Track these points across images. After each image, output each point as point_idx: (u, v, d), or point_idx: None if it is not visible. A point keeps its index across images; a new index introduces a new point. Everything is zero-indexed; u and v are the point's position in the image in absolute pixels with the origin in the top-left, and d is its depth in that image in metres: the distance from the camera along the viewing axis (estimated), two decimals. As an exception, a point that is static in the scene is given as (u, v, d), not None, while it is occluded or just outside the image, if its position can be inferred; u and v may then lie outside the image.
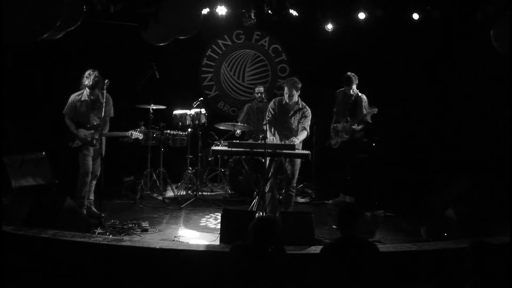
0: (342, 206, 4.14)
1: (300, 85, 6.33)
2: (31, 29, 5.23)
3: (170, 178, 7.94)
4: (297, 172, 6.41)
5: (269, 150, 6.00)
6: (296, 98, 6.36)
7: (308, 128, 6.35)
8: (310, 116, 6.40)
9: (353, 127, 7.26)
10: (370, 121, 7.10)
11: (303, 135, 6.34)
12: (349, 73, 7.25)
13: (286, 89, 6.32)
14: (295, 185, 6.58)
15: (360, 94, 7.30)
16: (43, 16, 5.21)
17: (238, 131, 7.70)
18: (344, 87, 7.31)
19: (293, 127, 6.37)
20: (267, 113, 6.30)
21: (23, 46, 6.58)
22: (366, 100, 7.29)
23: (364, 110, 7.21)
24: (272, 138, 6.22)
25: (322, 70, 8.90)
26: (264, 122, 6.22)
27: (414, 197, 7.37)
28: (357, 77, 7.25)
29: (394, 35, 8.31)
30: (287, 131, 6.35)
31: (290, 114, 6.37)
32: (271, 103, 6.44)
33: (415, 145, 8.29)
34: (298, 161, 6.29)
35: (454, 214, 5.90)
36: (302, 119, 6.41)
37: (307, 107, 6.43)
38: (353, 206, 4.37)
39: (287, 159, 6.19)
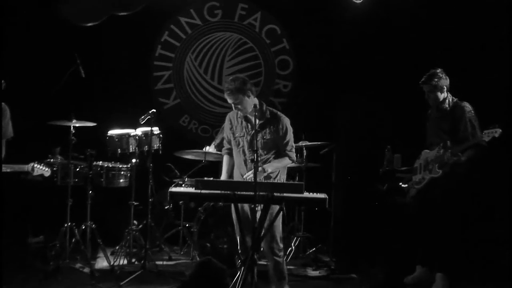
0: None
1: (248, 85, 5.84)
2: None
3: (103, 239, 7.20)
4: (279, 224, 5.94)
5: (261, 193, 5.24)
6: (247, 103, 5.83)
7: (291, 153, 5.92)
8: (291, 131, 5.94)
9: (455, 158, 6.23)
10: (486, 144, 6.16)
11: (278, 162, 5.85)
12: (432, 71, 6.46)
13: (225, 95, 5.94)
14: (281, 246, 6.05)
15: (459, 102, 6.48)
16: None
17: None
18: (426, 95, 6.64)
19: (261, 150, 5.89)
20: (224, 140, 6.26)
21: None
22: (470, 109, 6.41)
23: (469, 127, 6.32)
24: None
25: (344, 65, 8.34)
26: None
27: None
28: (446, 76, 6.39)
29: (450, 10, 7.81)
30: (253, 157, 5.79)
31: (253, 132, 5.90)
32: (226, 121, 6.18)
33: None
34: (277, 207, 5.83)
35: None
36: (280, 139, 5.88)
37: (281, 116, 5.98)
38: None
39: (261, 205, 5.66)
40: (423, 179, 6.62)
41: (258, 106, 6.40)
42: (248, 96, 5.93)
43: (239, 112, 6.10)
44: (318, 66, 8.53)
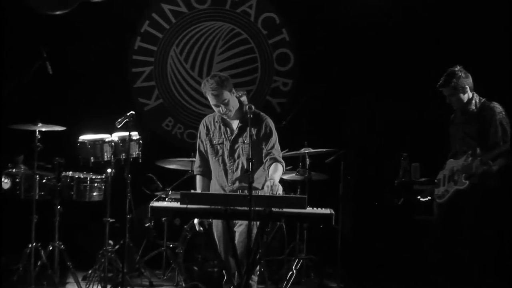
0: None
1: (231, 82, 5.51)
2: None
3: (74, 261, 6.68)
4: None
5: (257, 208, 4.84)
6: (234, 103, 5.47)
7: (280, 158, 5.48)
8: (276, 134, 5.53)
9: (485, 167, 5.70)
10: None
11: (278, 171, 5.35)
12: (450, 70, 6.00)
13: (209, 96, 5.46)
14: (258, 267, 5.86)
15: (488, 102, 6.02)
16: None
17: None
18: (447, 99, 6.18)
19: (242, 156, 5.44)
20: (197, 152, 5.71)
21: None
22: (501, 110, 5.95)
23: (500, 131, 5.84)
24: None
25: (352, 60, 7.98)
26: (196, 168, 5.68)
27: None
28: (466, 74, 5.95)
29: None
30: (236, 168, 5.40)
31: (234, 136, 5.53)
32: (200, 128, 5.70)
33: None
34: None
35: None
36: (263, 142, 5.46)
37: (264, 116, 5.59)
38: None
39: (238, 221, 5.35)
40: (446, 192, 6.16)
41: (249, 107, 5.71)
42: (233, 94, 5.66)
43: (216, 116, 5.76)
44: (323, 61, 8.29)
